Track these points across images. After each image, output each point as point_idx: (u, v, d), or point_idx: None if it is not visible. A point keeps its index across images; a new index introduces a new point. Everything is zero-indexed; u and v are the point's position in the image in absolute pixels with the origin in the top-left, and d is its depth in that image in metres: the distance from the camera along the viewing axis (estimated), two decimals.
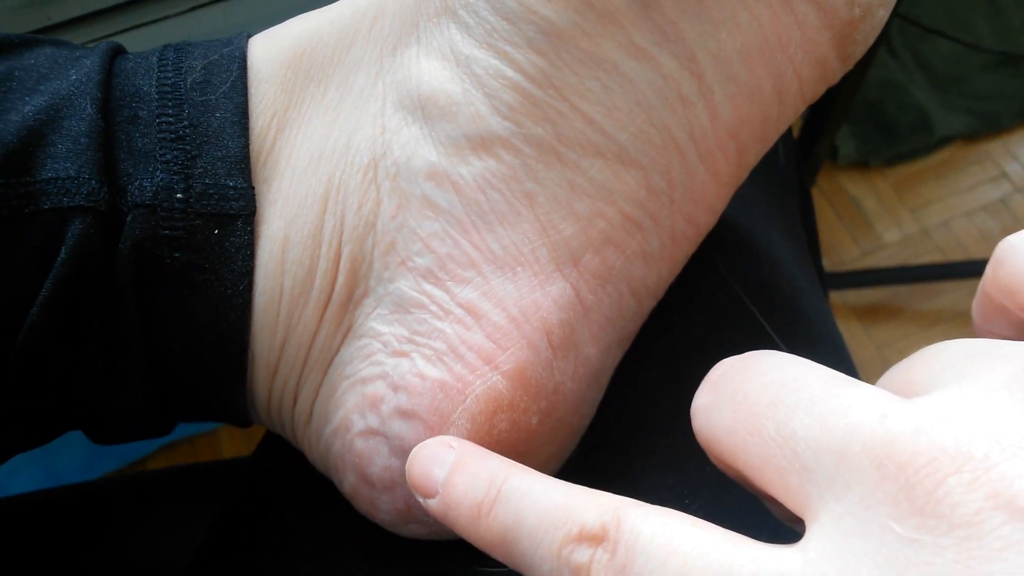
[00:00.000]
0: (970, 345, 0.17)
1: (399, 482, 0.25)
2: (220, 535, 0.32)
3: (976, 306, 0.19)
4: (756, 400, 0.17)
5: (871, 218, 1.12)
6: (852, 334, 1.06)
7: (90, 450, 0.87)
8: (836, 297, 1.07)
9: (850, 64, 0.26)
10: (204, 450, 0.90)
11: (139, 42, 0.58)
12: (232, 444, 0.91)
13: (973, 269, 1.06)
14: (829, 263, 1.10)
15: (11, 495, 0.38)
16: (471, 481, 0.21)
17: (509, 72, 0.24)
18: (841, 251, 1.11)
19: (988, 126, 1.17)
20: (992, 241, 1.12)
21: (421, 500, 0.22)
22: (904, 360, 0.18)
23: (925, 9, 1.21)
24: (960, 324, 1.05)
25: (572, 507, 0.19)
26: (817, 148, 0.95)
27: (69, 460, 0.87)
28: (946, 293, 1.07)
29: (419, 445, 0.23)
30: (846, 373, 0.30)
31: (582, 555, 0.18)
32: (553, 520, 0.19)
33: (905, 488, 0.14)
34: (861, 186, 1.14)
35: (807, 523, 0.16)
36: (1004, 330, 0.19)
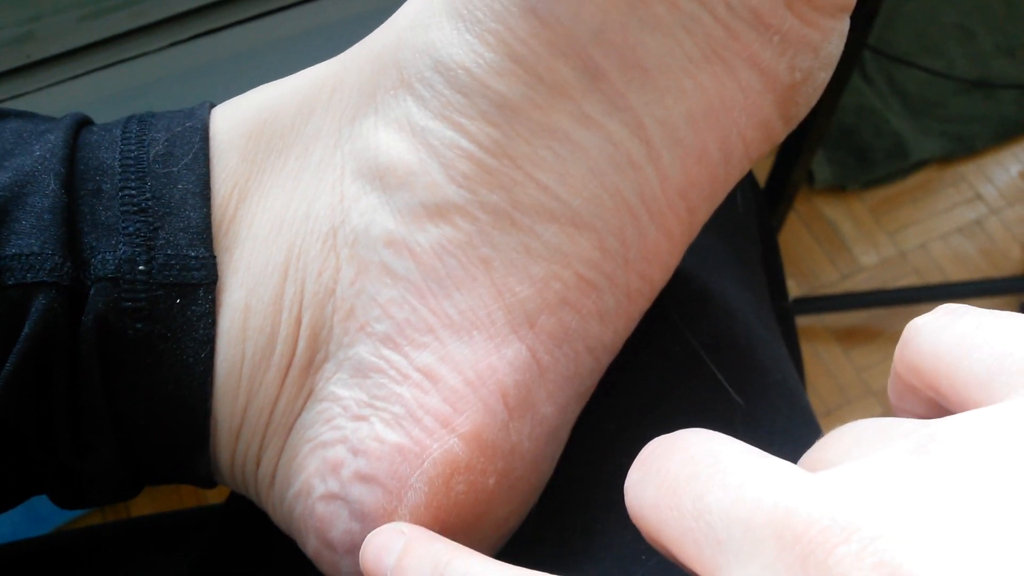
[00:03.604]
0: (877, 423, 0.18)
1: (360, 546, 0.25)
2: None
3: (890, 386, 0.20)
4: (676, 476, 0.17)
5: (848, 242, 1.14)
6: (832, 357, 1.06)
7: None
8: (815, 321, 1.08)
9: (793, 124, 0.27)
10: (187, 487, 0.90)
11: (119, 78, 0.59)
12: None
13: (950, 291, 1.07)
14: (807, 287, 1.11)
15: None
16: (417, 564, 0.22)
17: (464, 143, 0.24)
18: (819, 275, 1.12)
19: (963, 149, 1.19)
20: (968, 263, 1.13)
21: None
22: (823, 437, 0.19)
23: (897, 35, 1.23)
24: None
25: None
26: (793, 174, 0.96)
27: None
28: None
29: (372, 532, 0.24)
30: (800, 418, 0.31)
31: None
32: None
33: (801, 557, 0.15)
34: (838, 210, 1.15)
35: None
36: (917, 408, 0.20)
